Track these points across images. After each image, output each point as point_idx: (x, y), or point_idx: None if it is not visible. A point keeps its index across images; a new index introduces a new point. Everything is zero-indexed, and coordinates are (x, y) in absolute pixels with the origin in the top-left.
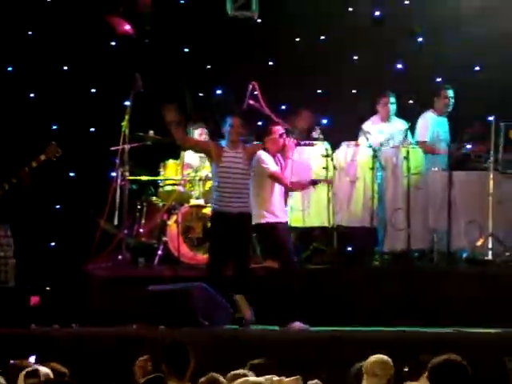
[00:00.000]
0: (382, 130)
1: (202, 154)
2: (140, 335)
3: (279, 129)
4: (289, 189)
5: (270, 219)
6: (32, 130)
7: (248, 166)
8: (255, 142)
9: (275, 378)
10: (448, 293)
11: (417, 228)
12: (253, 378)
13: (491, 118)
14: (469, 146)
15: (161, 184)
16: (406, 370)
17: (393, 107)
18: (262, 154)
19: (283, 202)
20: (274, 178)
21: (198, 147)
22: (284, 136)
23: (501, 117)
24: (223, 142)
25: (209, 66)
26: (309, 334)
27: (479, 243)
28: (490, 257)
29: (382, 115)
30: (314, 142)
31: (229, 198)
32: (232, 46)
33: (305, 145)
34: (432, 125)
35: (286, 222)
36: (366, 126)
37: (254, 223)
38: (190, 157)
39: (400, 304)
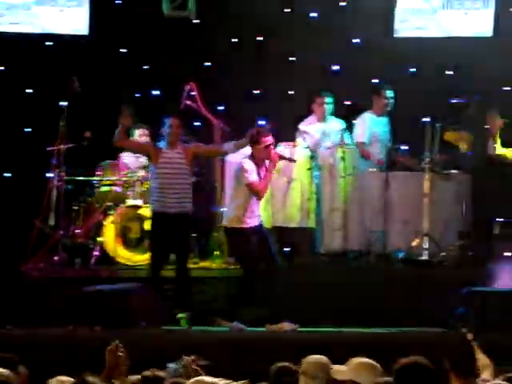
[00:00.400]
0: (318, 130)
1: (139, 155)
2: (77, 336)
3: (268, 139)
4: (259, 198)
5: (239, 225)
6: None
7: (187, 166)
8: (196, 142)
9: (224, 381)
10: (384, 293)
11: (353, 228)
12: (208, 378)
13: (427, 119)
14: (405, 148)
15: (97, 185)
16: None
17: (329, 107)
18: (245, 162)
19: (258, 209)
20: (251, 188)
21: (135, 148)
22: (270, 147)
23: (436, 118)
24: (162, 143)
25: (146, 67)
26: (246, 334)
27: (415, 243)
28: (425, 257)
29: (318, 115)
30: None
31: (168, 199)
32: (169, 46)
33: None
34: (370, 125)
35: (256, 227)
36: (303, 126)
37: (224, 225)
38: (127, 157)
39: (336, 304)
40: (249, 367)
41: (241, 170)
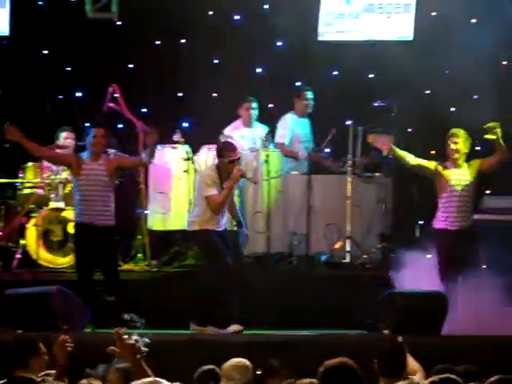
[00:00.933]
0: (244, 135)
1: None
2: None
3: (233, 155)
4: (213, 212)
5: (199, 227)
6: None
7: (109, 178)
8: (119, 155)
9: None
10: (306, 295)
11: (277, 231)
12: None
13: (349, 122)
14: (327, 150)
15: (19, 187)
16: (259, 372)
17: (255, 112)
18: (208, 173)
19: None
20: (208, 201)
21: (55, 159)
22: (234, 163)
23: (358, 121)
24: (85, 154)
25: (69, 69)
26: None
27: (337, 246)
28: (347, 259)
29: (245, 120)
30: (175, 146)
31: (90, 212)
32: (92, 48)
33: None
34: (292, 126)
35: (217, 231)
36: (228, 130)
37: (187, 229)
38: None
39: (259, 306)
40: (179, 369)
41: (202, 180)
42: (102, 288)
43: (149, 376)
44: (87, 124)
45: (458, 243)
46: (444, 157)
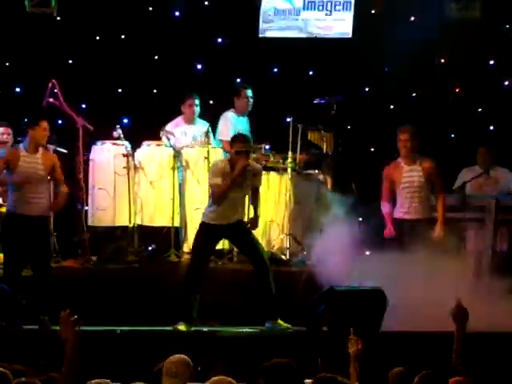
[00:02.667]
0: (185, 131)
1: None
2: None
3: (239, 146)
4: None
5: (202, 220)
6: None
7: (45, 172)
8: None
9: None
10: (246, 291)
11: None
12: None
13: (289, 119)
14: (267, 147)
15: None
16: (199, 368)
17: (197, 109)
18: (217, 163)
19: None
20: (210, 188)
21: None
22: (240, 155)
23: (299, 118)
24: (22, 145)
25: (7, 63)
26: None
27: (277, 243)
28: (287, 256)
29: (187, 117)
30: (115, 142)
31: (25, 202)
32: (31, 42)
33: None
34: (233, 124)
35: (222, 225)
36: (169, 127)
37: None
38: None
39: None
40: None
41: (211, 170)
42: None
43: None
44: (26, 119)
45: (410, 234)
46: (388, 153)
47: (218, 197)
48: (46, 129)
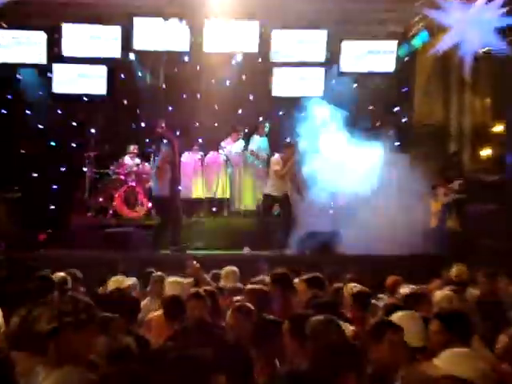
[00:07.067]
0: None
1: None
2: None
3: (291, 146)
4: (278, 177)
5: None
6: None
7: None
8: None
9: None
10: None
11: None
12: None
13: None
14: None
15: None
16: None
17: None
18: (276, 157)
19: (282, 185)
20: (275, 173)
21: None
22: (289, 149)
23: None
24: None
25: None
26: None
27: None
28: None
29: None
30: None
31: None
32: None
33: None
34: None
35: (273, 195)
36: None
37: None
38: None
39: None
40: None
41: (272, 163)
42: None
43: (208, 283)
44: None
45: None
46: None
47: (279, 176)
48: None
